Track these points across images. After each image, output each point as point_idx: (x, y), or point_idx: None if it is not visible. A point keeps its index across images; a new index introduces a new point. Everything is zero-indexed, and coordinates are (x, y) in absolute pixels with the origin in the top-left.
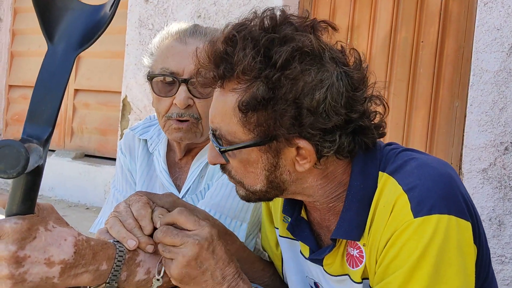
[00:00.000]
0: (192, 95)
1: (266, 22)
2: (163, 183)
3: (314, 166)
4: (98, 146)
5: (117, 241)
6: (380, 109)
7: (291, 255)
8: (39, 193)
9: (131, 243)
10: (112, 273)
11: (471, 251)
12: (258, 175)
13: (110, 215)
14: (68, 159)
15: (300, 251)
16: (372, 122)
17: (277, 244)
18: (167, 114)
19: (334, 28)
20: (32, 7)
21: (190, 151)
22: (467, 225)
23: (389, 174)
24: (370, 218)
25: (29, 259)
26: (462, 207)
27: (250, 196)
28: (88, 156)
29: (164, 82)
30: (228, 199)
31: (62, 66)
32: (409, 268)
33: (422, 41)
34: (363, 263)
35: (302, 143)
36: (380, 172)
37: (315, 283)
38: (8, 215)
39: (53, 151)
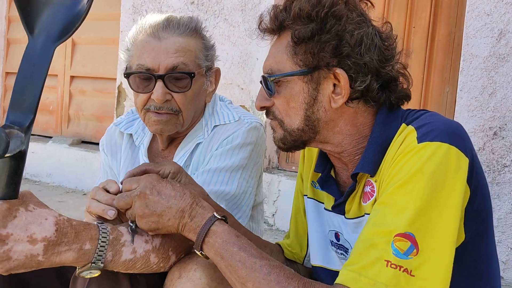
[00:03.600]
0: (170, 89)
1: None
2: None
3: (346, 104)
4: (94, 132)
5: (101, 223)
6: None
7: (315, 214)
8: (37, 179)
9: (110, 213)
10: (97, 253)
11: (462, 185)
12: (298, 110)
13: (88, 201)
14: (65, 145)
15: (325, 208)
16: (401, 86)
17: (305, 212)
18: (146, 107)
19: (372, 4)
20: None
21: (173, 141)
22: (465, 160)
23: (406, 124)
24: (385, 157)
25: (12, 237)
26: (464, 145)
27: (287, 138)
28: (85, 143)
29: (141, 78)
30: (209, 185)
31: (42, 57)
32: (405, 181)
33: (414, 27)
34: (373, 197)
35: (339, 70)
36: (401, 125)
37: (336, 234)
38: None
39: (50, 137)
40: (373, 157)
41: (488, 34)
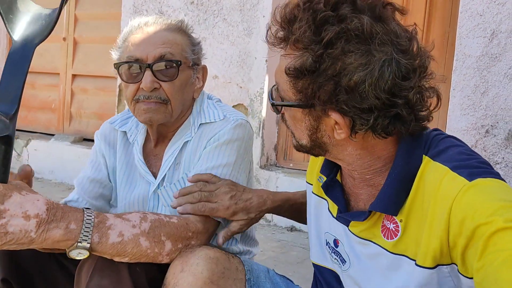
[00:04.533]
0: (158, 78)
1: None
2: (140, 172)
3: (349, 138)
4: (96, 130)
5: (87, 208)
6: (434, 101)
7: (316, 212)
8: (40, 176)
9: None
10: (83, 233)
11: None
12: (303, 132)
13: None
14: (67, 143)
15: (329, 209)
16: (420, 113)
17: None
18: (135, 97)
19: (402, 12)
20: None
21: (164, 139)
22: None
23: (430, 158)
24: (411, 198)
25: (8, 211)
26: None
27: (299, 148)
28: (87, 140)
29: (130, 68)
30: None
31: (24, 57)
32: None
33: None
34: (397, 237)
35: (335, 115)
36: (423, 155)
37: (335, 240)
38: None
39: (52, 135)
40: (395, 196)
41: (480, 34)
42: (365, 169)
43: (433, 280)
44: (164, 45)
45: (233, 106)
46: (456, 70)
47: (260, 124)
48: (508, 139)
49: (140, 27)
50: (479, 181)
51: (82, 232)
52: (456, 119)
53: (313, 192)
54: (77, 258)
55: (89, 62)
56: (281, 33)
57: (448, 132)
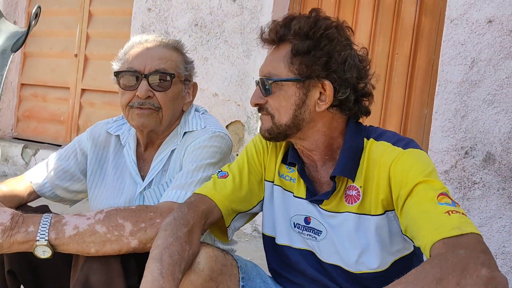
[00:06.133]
0: (152, 88)
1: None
2: (130, 173)
3: (328, 109)
4: None
5: (49, 212)
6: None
7: (280, 201)
8: None
9: None
10: (40, 232)
11: None
12: (288, 109)
13: None
14: None
15: (295, 196)
16: (365, 102)
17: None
18: (130, 104)
19: (352, 31)
20: (44, 11)
21: (153, 144)
22: None
23: (374, 139)
24: (365, 168)
25: None
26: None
27: (273, 129)
28: None
29: (128, 77)
30: (184, 185)
31: (3, 63)
32: (419, 179)
33: (397, 53)
34: (359, 200)
35: (327, 82)
36: (365, 139)
37: (306, 218)
38: None
39: (60, 145)
40: (350, 163)
41: (461, 62)
42: (325, 148)
43: (384, 223)
44: (161, 60)
45: (230, 123)
46: (438, 94)
47: None
48: (486, 160)
49: (141, 43)
50: (411, 150)
51: (39, 232)
52: (438, 140)
53: (276, 184)
54: (42, 257)
55: (98, 78)
56: (279, 32)
57: (430, 152)
